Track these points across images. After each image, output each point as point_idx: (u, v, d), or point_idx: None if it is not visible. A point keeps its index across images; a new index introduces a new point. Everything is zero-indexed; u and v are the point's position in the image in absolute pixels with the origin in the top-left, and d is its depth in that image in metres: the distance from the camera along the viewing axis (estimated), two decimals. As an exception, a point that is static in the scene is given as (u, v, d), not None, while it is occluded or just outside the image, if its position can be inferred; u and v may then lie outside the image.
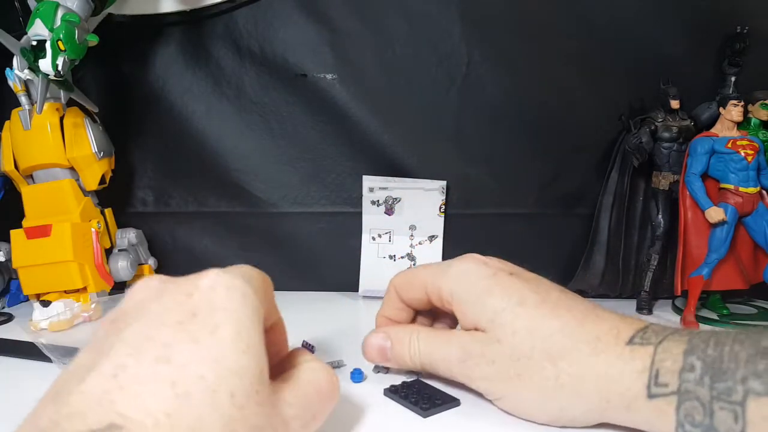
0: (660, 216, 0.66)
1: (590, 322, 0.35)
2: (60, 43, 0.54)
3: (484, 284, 0.37)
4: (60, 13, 0.55)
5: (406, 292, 0.43)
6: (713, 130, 0.64)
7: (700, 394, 0.29)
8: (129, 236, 0.67)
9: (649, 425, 0.32)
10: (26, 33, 0.56)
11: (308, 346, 0.49)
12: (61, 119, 0.61)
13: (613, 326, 0.34)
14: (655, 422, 0.32)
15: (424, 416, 0.37)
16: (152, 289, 0.27)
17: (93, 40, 0.58)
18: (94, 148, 0.62)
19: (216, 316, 0.25)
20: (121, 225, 0.68)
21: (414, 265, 0.73)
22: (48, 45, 0.54)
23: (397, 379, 0.42)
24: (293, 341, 0.49)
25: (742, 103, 0.63)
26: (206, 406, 0.22)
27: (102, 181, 0.64)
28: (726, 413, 0.28)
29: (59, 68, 0.55)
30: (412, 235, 0.73)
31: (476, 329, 0.37)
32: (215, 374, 0.23)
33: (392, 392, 0.40)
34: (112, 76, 0.73)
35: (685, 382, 0.30)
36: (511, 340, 0.35)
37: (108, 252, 0.65)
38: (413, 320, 0.45)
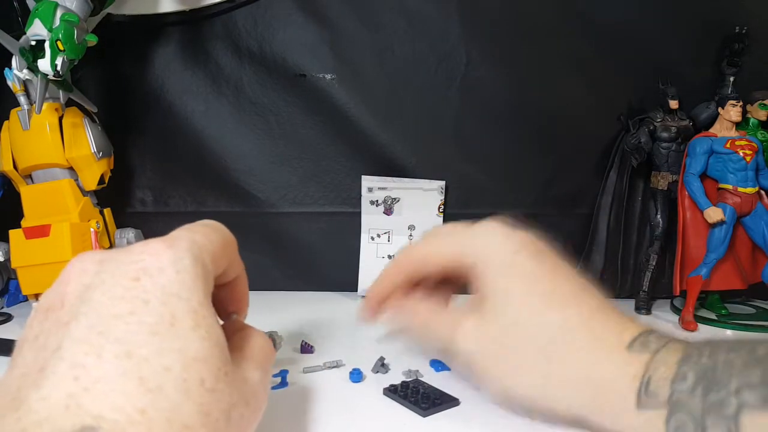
0: (659, 216, 0.66)
1: (596, 320, 0.34)
2: (59, 43, 0.54)
3: (502, 259, 0.36)
4: (59, 13, 0.55)
5: (422, 265, 0.40)
6: (712, 130, 0.64)
7: (692, 407, 0.28)
8: (128, 236, 0.67)
9: None
10: (25, 33, 0.56)
11: (307, 346, 0.49)
12: (60, 119, 0.61)
13: (617, 328, 0.33)
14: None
15: (424, 416, 0.37)
16: (89, 273, 0.25)
17: (92, 40, 0.58)
18: (93, 148, 0.62)
19: (170, 304, 0.24)
20: (120, 225, 0.68)
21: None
22: (47, 45, 0.54)
23: (396, 379, 0.42)
24: (292, 341, 0.50)
25: (741, 103, 0.63)
26: (179, 396, 0.22)
27: (101, 181, 0.64)
28: (719, 428, 0.27)
29: (58, 68, 0.55)
30: (411, 235, 0.73)
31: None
32: (181, 364, 0.23)
33: (391, 392, 0.40)
34: (111, 76, 0.73)
35: (677, 392, 0.29)
36: (513, 329, 0.35)
37: (107, 252, 0.65)
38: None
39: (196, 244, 0.27)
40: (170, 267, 0.25)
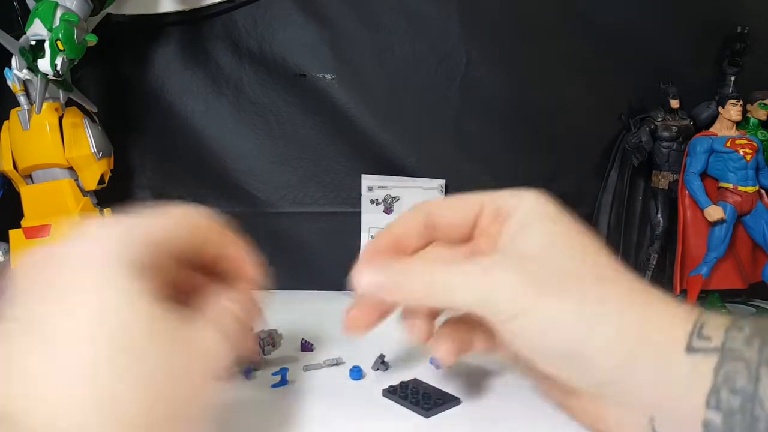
0: (659, 215, 0.66)
1: (633, 275, 0.32)
2: (59, 42, 0.54)
3: (551, 210, 0.33)
4: (59, 13, 0.55)
5: (448, 209, 0.36)
6: (712, 130, 0.64)
7: (747, 356, 0.26)
8: (128, 236, 0.67)
9: (675, 389, 0.27)
10: (25, 33, 0.56)
11: (307, 345, 0.49)
12: (60, 119, 0.61)
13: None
14: (685, 384, 0.27)
15: (427, 416, 0.37)
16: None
17: (92, 40, 0.58)
18: (93, 148, 0.62)
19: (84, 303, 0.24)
20: (120, 225, 0.68)
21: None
22: (47, 45, 0.54)
23: (395, 379, 0.42)
24: (292, 340, 0.50)
25: (741, 102, 0.63)
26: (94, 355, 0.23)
27: (101, 181, 0.64)
28: None
29: (58, 68, 0.55)
30: (411, 235, 0.73)
31: None
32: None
33: (391, 393, 0.40)
34: (111, 76, 0.73)
35: (731, 339, 0.27)
36: (562, 251, 0.31)
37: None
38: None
39: (133, 232, 0.27)
40: (93, 268, 0.25)
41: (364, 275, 0.34)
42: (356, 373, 0.43)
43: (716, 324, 0.28)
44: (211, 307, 0.31)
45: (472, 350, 0.35)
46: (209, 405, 0.27)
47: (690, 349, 0.27)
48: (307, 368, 0.45)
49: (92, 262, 0.25)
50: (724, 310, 0.64)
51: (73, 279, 0.24)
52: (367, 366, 0.44)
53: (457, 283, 0.31)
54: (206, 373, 0.27)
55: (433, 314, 0.36)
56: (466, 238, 0.36)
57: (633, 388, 0.29)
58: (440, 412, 0.37)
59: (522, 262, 0.31)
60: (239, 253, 0.34)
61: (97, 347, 0.23)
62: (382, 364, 0.45)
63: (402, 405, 0.38)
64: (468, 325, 0.35)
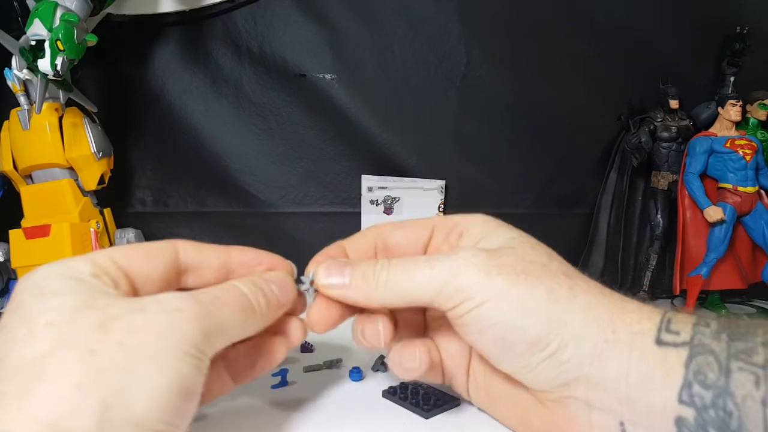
0: (659, 215, 0.66)
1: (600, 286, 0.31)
2: (59, 42, 0.54)
3: (507, 226, 0.33)
4: (59, 13, 0.55)
5: (399, 231, 0.36)
6: (712, 130, 0.64)
7: (716, 349, 0.26)
8: (128, 236, 0.67)
9: (645, 382, 0.27)
10: (25, 33, 0.56)
11: (307, 345, 0.49)
12: (60, 119, 0.61)
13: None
14: (657, 378, 0.27)
15: (426, 417, 0.37)
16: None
17: (92, 40, 0.58)
18: (93, 148, 0.62)
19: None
20: (120, 225, 0.68)
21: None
22: (47, 45, 0.54)
23: (395, 380, 0.42)
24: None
25: (741, 102, 0.63)
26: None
27: (101, 181, 0.64)
28: (746, 375, 0.25)
29: (58, 68, 0.55)
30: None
31: None
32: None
33: (391, 394, 0.40)
34: (110, 76, 0.73)
35: (699, 334, 0.27)
36: (529, 250, 0.31)
37: (107, 252, 0.65)
38: None
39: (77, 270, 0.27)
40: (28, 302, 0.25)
41: (324, 274, 0.33)
42: (356, 375, 0.43)
43: (683, 320, 0.28)
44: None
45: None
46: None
47: (659, 342, 0.27)
48: (307, 369, 0.45)
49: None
50: (724, 311, 0.64)
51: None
52: (367, 367, 0.44)
53: (420, 270, 0.30)
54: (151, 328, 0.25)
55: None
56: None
57: (604, 382, 0.28)
58: (440, 412, 0.38)
59: (489, 252, 0.30)
60: (245, 258, 0.34)
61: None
62: (382, 365, 0.45)
63: (402, 406, 0.38)
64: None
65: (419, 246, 0.35)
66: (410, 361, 0.34)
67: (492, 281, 0.29)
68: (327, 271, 0.33)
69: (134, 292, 0.28)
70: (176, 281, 0.31)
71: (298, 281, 0.34)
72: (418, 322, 0.37)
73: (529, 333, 0.28)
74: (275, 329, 0.33)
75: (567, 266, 0.31)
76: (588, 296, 0.29)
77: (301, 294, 0.34)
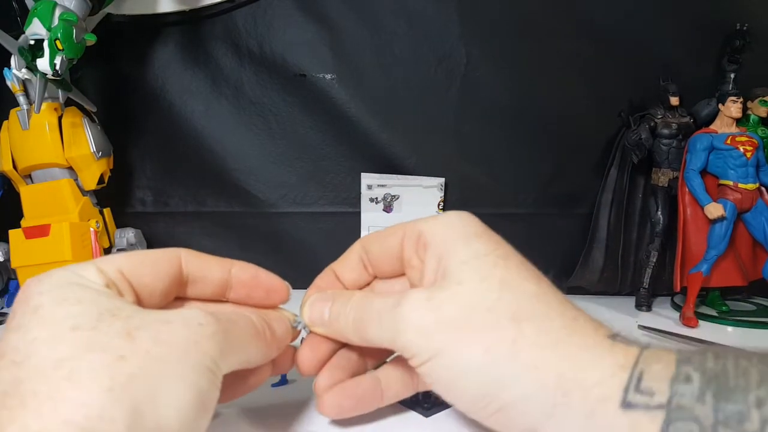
0: (659, 212, 0.66)
1: (571, 306, 0.29)
2: (58, 42, 0.54)
3: (473, 230, 0.31)
4: (58, 13, 0.55)
5: (376, 243, 0.36)
6: (712, 127, 0.64)
7: (700, 415, 0.22)
8: (128, 236, 0.67)
9: None
10: (24, 32, 0.56)
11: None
12: (60, 119, 0.61)
13: (594, 322, 0.28)
14: None
15: (426, 415, 0.37)
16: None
17: (91, 40, 0.58)
18: (92, 148, 0.62)
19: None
20: (120, 225, 0.68)
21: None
22: (46, 44, 0.54)
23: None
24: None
25: (741, 99, 0.63)
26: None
27: (101, 180, 0.64)
28: None
29: (57, 68, 0.55)
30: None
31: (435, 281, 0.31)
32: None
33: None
34: (110, 76, 0.73)
35: (678, 395, 0.23)
36: (477, 286, 0.29)
37: (107, 252, 0.65)
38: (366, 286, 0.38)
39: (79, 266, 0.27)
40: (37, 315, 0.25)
41: (308, 313, 0.34)
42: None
43: (659, 374, 0.24)
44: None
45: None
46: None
47: (627, 404, 0.24)
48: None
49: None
50: (724, 308, 0.64)
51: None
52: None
53: (373, 325, 0.31)
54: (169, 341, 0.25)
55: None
56: (399, 271, 0.35)
57: None
58: (440, 411, 0.37)
59: (432, 298, 0.29)
60: (248, 274, 0.34)
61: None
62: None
63: (402, 404, 0.38)
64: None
65: (394, 259, 0.35)
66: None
67: (430, 341, 0.28)
68: (311, 310, 0.34)
69: (138, 302, 0.28)
70: (177, 292, 0.31)
71: (293, 318, 0.35)
72: None
73: (468, 393, 0.28)
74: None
75: (519, 302, 0.28)
76: (533, 352, 0.26)
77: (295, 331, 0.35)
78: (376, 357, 0.37)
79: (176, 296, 0.31)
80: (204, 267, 0.32)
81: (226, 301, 0.34)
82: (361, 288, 0.37)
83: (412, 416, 0.37)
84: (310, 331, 0.35)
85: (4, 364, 0.22)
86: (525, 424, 0.27)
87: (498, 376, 0.27)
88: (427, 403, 0.38)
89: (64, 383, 0.21)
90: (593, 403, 0.24)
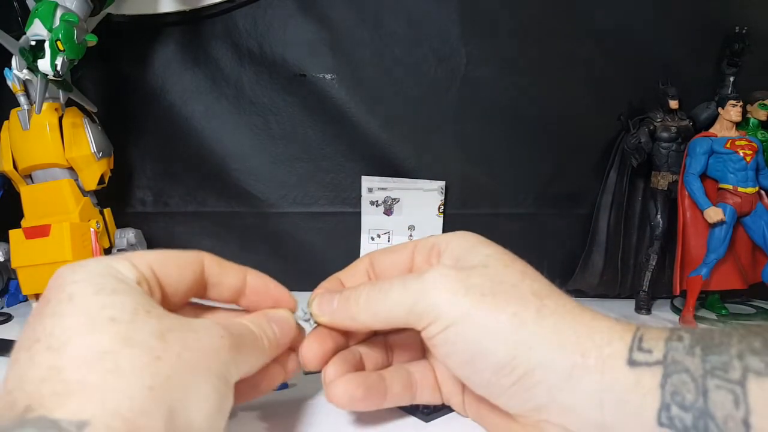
0: (659, 216, 0.66)
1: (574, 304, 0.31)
2: (59, 43, 0.54)
3: (484, 241, 0.34)
4: (59, 13, 0.55)
5: (384, 256, 0.38)
6: (712, 130, 0.64)
7: (691, 366, 0.25)
8: (128, 236, 0.67)
9: (620, 407, 0.26)
10: (25, 33, 0.55)
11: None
12: (60, 119, 0.61)
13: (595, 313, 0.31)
14: (632, 402, 0.26)
15: (426, 421, 0.37)
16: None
17: (92, 40, 0.58)
18: (93, 148, 0.62)
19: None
20: (120, 225, 0.68)
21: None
22: (47, 45, 0.54)
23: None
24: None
25: (741, 103, 0.63)
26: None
27: (101, 181, 0.64)
28: (724, 394, 0.24)
29: (58, 68, 0.55)
30: (411, 236, 0.73)
31: None
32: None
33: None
34: (111, 76, 0.73)
35: (672, 350, 0.26)
36: (502, 270, 0.31)
37: (107, 252, 0.65)
38: None
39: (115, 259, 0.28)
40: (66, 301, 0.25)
41: (317, 304, 0.35)
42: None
43: (655, 335, 0.27)
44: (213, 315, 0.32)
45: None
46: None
47: (632, 362, 0.27)
48: (307, 372, 0.45)
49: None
50: (723, 311, 0.64)
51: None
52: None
53: (394, 289, 0.31)
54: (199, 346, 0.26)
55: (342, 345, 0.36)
56: None
57: (577, 408, 0.27)
58: (439, 417, 0.38)
59: (459, 272, 0.31)
60: (260, 283, 0.35)
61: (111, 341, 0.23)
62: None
63: (402, 409, 0.38)
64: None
65: (404, 269, 0.36)
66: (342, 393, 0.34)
67: (458, 303, 0.29)
68: (320, 301, 0.35)
69: (164, 299, 0.29)
70: (197, 293, 0.32)
71: (300, 313, 0.36)
72: (415, 344, 0.38)
73: (494, 357, 0.29)
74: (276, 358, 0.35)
75: (540, 284, 0.31)
76: (556, 318, 0.29)
77: (301, 329, 0.36)
78: (377, 357, 0.37)
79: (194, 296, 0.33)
80: (222, 273, 0.33)
81: (219, 308, 0.35)
82: None
83: (412, 422, 0.37)
84: (317, 325, 0.35)
85: (38, 349, 0.23)
86: (541, 394, 0.28)
87: (525, 337, 0.28)
88: (426, 408, 0.38)
89: (109, 376, 0.22)
90: (605, 360, 0.27)
